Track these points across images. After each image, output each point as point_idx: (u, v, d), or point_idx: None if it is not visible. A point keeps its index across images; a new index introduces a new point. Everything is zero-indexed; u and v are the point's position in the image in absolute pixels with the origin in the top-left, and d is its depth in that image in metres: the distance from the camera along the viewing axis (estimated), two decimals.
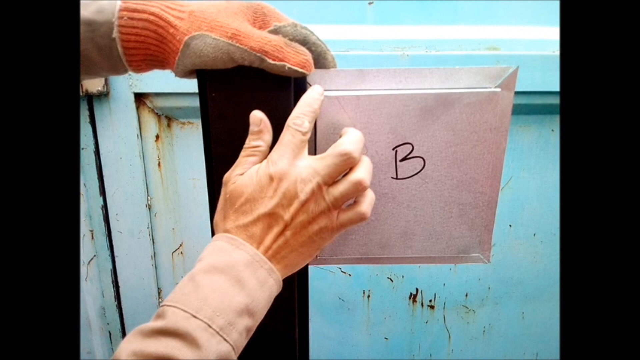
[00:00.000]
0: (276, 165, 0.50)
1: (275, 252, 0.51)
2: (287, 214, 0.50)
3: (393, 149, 0.59)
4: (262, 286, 0.49)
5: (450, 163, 0.60)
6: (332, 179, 0.50)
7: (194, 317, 0.44)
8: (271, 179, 0.50)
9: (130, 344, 0.43)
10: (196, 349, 0.43)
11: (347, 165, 0.50)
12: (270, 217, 0.50)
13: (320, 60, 0.55)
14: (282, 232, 0.50)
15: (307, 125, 0.51)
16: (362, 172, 0.51)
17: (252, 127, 0.52)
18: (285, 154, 0.50)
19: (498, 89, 0.57)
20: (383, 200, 0.61)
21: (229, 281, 0.47)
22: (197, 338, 0.44)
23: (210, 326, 0.45)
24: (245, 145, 0.53)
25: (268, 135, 0.53)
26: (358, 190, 0.51)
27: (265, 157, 0.52)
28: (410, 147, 0.59)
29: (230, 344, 0.46)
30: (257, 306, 0.48)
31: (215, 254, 0.49)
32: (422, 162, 0.60)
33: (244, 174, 0.51)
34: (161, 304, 0.47)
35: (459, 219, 0.63)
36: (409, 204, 0.61)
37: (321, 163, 0.50)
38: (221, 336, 0.45)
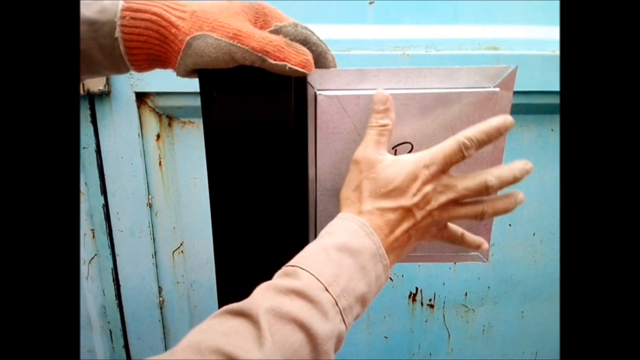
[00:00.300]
0: (429, 169, 0.53)
1: (399, 244, 0.54)
2: (418, 215, 0.53)
3: (393, 148, 0.59)
4: (377, 280, 0.51)
5: None
6: (463, 198, 0.54)
7: (326, 290, 0.45)
8: (417, 178, 0.53)
9: (266, 298, 0.44)
10: (326, 322, 0.44)
11: (483, 193, 0.54)
12: (407, 212, 0.53)
13: (321, 60, 0.55)
14: (409, 229, 0.53)
15: (472, 153, 0.53)
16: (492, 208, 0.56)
17: (379, 106, 0.55)
18: (440, 163, 0.53)
19: (497, 89, 0.57)
20: None
21: (356, 266, 0.48)
22: (327, 311, 0.45)
23: (337, 304, 0.46)
24: (372, 124, 0.55)
25: (393, 114, 0.56)
26: (476, 219, 0.55)
27: (391, 134, 0.56)
28: (409, 146, 0.59)
29: (346, 327, 0.47)
30: (370, 297, 0.50)
31: (348, 234, 0.50)
32: None
33: (396, 161, 0.54)
34: (290, 264, 0.48)
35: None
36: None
37: (463, 182, 0.54)
38: (342, 317, 0.46)
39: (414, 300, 1.25)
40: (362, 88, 0.57)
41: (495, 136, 0.53)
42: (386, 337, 1.29)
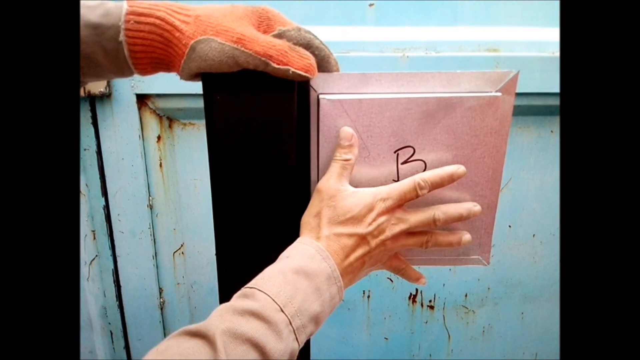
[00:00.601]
0: (385, 203, 0.57)
1: (353, 268, 0.57)
2: (373, 242, 0.57)
3: (395, 152, 0.60)
4: (331, 300, 0.53)
5: (452, 163, 0.60)
6: (414, 229, 0.59)
7: (282, 310, 0.48)
8: (374, 209, 0.57)
9: (223, 320, 0.46)
10: (279, 341, 0.46)
11: (431, 225, 0.59)
12: (362, 239, 0.56)
13: (324, 64, 0.56)
14: (363, 256, 0.57)
15: (425, 193, 0.58)
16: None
17: (344, 142, 0.58)
18: (396, 198, 0.57)
19: (499, 94, 0.57)
20: None
21: (311, 287, 0.51)
22: (281, 331, 0.47)
23: (290, 323, 0.48)
24: (337, 157, 0.58)
25: (357, 149, 0.59)
26: (420, 247, 0.61)
27: (352, 167, 0.59)
28: (411, 150, 0.60)
29: (299, 344, 0.49)
30: (323, 317, 0.53)
31: (305, 258, 0.53)
32: (423, 165, 0.60)
33: (356, 193, 0.58)
34: (248, 286, 0.50)
35: (459, 222, 0.63)
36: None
37: (415, 215, 0.58)
38: (295, 335, 0.48)
39: (414, 301, 1.25)
40: (364, 92, 0.57)
41: (448, 181, 0.58)
42: (386, 338, 1.29)
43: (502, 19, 1.06)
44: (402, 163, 0.60)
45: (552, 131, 1.14)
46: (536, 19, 1.06)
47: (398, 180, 0.60)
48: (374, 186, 0.59)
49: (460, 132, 0.58)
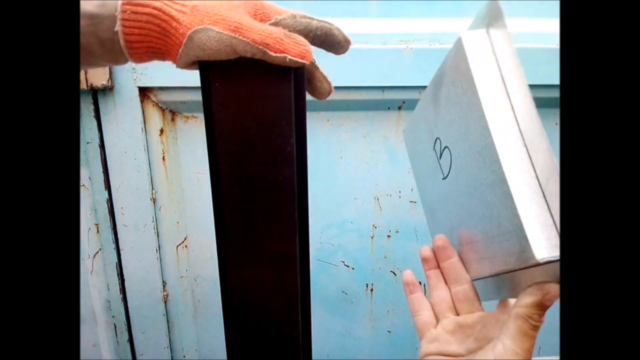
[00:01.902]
0: None
1: None
2: None
3: (433, 150, 0.59)
4: None
5: (464, 139, 0.54)
6: None
7: None
8: None
9: None
10: None
11: None
12: None
13: (329, 39, 0.56)
14: None
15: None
16: None
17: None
18: None
19: (464, 33, 0.53)
20: (440, 204, 0.61)
21: None
22: None
23: None
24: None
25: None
26: None
27: None
28: (439, 141, 0.58)
29: None
30: None
31: None
32: (449, 152, 0.57)
33: None
34: None
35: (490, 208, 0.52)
36: (456, 201, 0.57)
37: None
38: None
39: None
40: None
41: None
42: (389, 332, 1.29)
43: (506, 10, 1.05)
44: (439, 158, 0.59)
45: (556, 124, 1.13)
46: (539, 10, 1.05)
47: (445, 177, 0.58)
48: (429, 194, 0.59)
49: (458, 101, 0.53)
